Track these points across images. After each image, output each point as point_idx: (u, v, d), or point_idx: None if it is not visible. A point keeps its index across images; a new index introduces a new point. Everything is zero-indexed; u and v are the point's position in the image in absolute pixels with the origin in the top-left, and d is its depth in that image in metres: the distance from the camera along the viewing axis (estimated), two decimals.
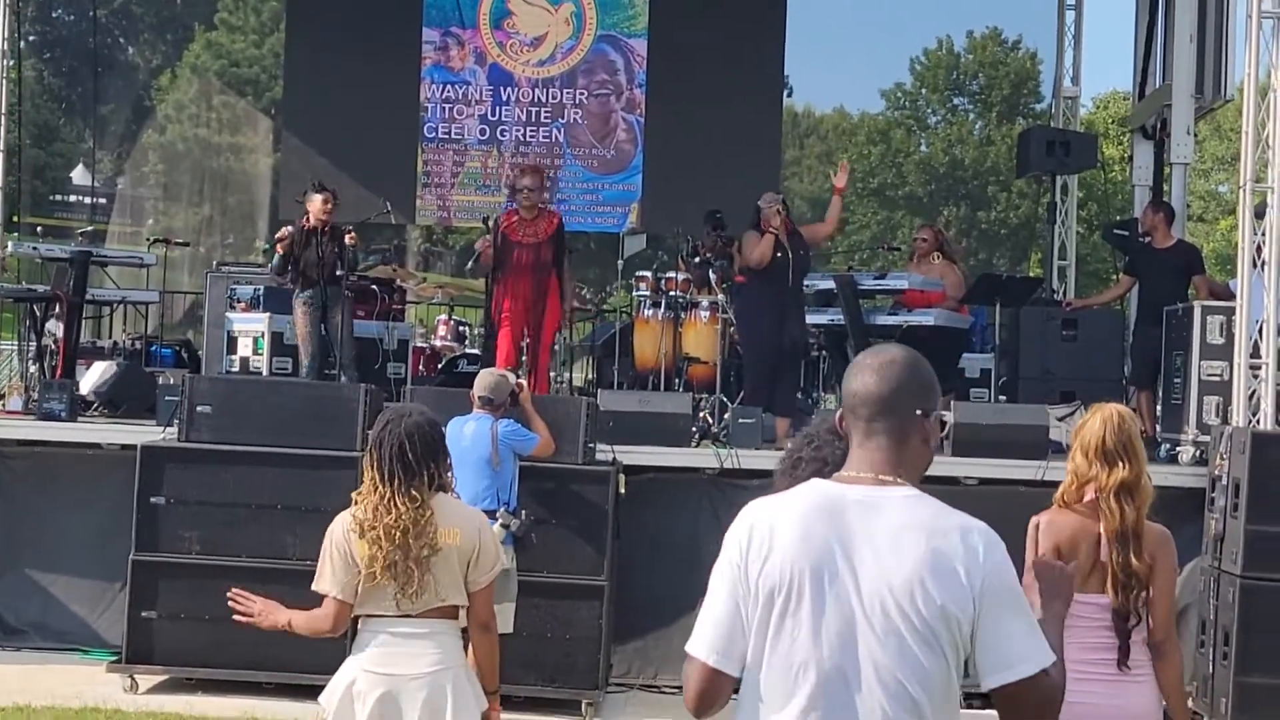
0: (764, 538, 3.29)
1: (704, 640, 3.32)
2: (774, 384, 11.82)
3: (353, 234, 12.23)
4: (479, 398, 8.95)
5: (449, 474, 5.55)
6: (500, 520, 8.62)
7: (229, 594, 5.54)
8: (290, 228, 12.13)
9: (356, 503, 5.40)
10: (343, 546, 5.36)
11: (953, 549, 3.22)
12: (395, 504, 5.28)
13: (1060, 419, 11.50)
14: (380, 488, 5.31)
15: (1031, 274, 21.11)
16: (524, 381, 9.88)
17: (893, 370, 3.37)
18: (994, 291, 14.06)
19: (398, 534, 5.25)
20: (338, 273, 12.05)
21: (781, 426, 11.47)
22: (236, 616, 5.53)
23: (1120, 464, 5.12)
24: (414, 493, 5.29)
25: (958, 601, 3.20)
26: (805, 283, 12.52)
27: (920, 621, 3.19)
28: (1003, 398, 13.27)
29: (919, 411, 3.38)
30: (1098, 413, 5.24)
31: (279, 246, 12.05)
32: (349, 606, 5.37)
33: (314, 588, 5.45)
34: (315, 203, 12.02)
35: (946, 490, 9.96)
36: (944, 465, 10.13)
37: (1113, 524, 5.08)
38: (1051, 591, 3.68)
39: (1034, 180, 18.29)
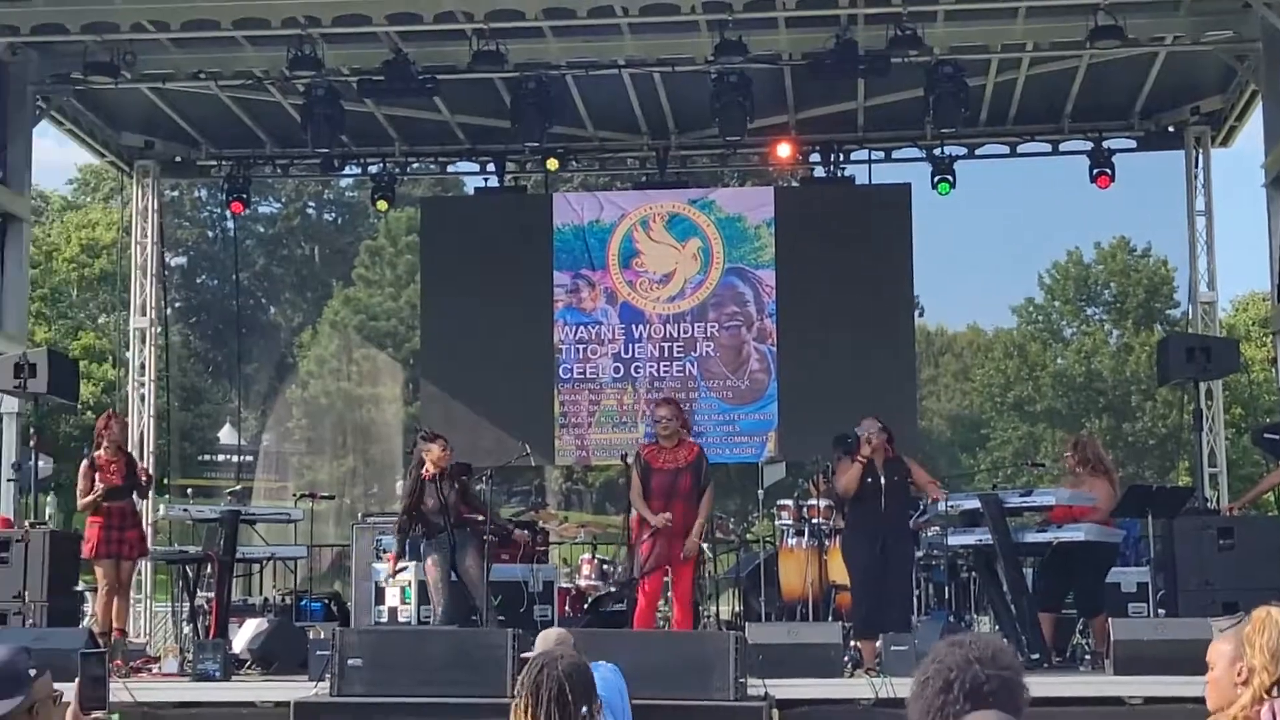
0: None
1: None
2: (883, 610, 11.49)
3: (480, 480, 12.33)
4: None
5: (600, 716, 5.41)
6: None
7: None
8: (402, 508, 12.24)
9: None
10: None
11: None
12: None
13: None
14: None
15: (1181, 483, 20.78)
16: None
17: None
18: (1144, 503, 13.80)
19: None
20: (465, 515, 12.15)
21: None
22: None
23: None
24: None
25: None
26: (950, 502, 12.41)
27: None
28: (1161, 611, 12.95)
29: None
30: (1271, 615, 5.07)
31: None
32: None
33: None
34: (433, 451, 12.11)
35: (1111, 711, 9.65)
36: (1106, 685, 9.86)
37: None
38: None
39: (1177, 387, 18.06)
